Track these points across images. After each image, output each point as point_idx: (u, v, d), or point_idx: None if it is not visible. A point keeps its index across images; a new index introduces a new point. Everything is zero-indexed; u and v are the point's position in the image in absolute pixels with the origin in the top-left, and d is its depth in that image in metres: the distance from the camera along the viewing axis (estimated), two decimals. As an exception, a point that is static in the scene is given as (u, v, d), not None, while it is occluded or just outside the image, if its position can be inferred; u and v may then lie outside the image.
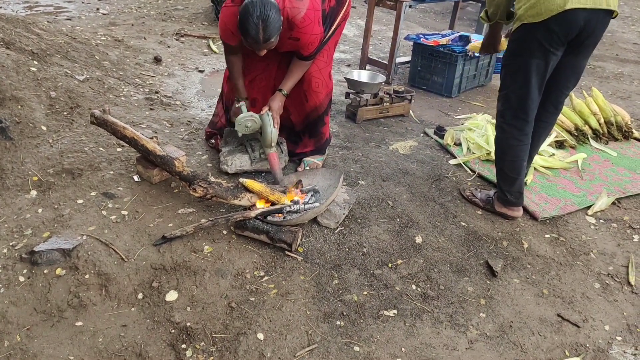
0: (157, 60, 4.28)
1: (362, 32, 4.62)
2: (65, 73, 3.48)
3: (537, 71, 2.38)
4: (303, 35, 2.57)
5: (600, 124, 3.63)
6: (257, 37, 2.36)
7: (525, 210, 2.85)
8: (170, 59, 4.41)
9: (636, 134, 3.71)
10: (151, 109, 3.48)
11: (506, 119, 2.55)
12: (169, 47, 4.68)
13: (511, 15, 2.47)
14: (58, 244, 2.19)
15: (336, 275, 2.26)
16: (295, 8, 2.48)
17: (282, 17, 2.43)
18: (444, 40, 4.34)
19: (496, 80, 4.57)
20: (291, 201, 2.52)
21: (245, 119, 2.73)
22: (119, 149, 2.89)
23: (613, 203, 2.98)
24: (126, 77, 3.84)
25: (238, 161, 2.87)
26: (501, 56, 3.07)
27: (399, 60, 4.58)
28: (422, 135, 3.60)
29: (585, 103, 3.71)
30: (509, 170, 2.64)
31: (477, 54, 3.07)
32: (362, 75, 3.83)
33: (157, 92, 3.74)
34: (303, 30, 2.55)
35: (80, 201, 2.47)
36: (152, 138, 2.67)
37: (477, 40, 2.86)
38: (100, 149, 2.86)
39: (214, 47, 4.78)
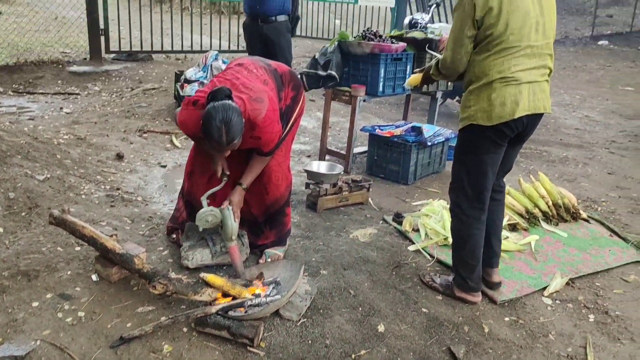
0: (119, 156, 4.34)
1: (321, 125, 4.81)
2: (25, 173, 3.49)
3: (491, 164, 2.61)
4: (264, 134, 2.69)
5: (549, 207, 3.80)
6: (220, 141, 2.46)
7: (484, 293, 2.91)
8: (132, 155, 4.48)
9: (584, 214, 3.89)
10: (112, 206, 3.49)
11: (463, 209, 2.68)
12: (131, 143, 4.76)
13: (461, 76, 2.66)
14: (10, 350, 2.11)
15: (299, 370, 2.23)
16: (256, 110, 2.61)
17: (243, 120, 2.54)
18: (398, 131, 4.57)
19: (450, 167, 4.77)
20: (252, 294, 2.52)
21: (206, 214, 2.77)
22: (77, 248, 2.87)
23: (567, 283, 3.08)
24: (87, 175, 3.87)
25: (199, 255, 2.88)
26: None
27: (356, 150, 4.76)
28: (381, 222, 3.69)
29: (534, 187, 3.90)
30: (470, 258, 2.73)
31: (408, 88, 3.19)
32: (321, 167, 3.97)
33: (118, 189, 3.77)
34: (264, 130, 2.68)
35: (35, 304, 2.41)
36: (111, 236, 2.67)
37: (414, 75, 2.99)
38: (59, 248, 2.84)
39: (176, 142, 4.89)
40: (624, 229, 3.81)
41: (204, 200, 2.81)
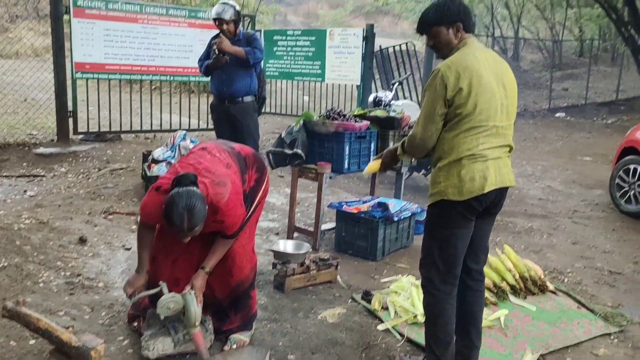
0: (82, 240, 4.25)
1: (289, 201, 4.83)
2: (-20, 262, 3.37)
3: (462, 239, 2.64)
4: (227, 217, 2.69)
5: (516, 280, 3.82)
6: (182, 227, 2.46)
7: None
8: (96, 239, 4.39)
9: (551, 287, 3.91)
10: (71, 293, 3.38)
11: (435, 284, 2.67)
12: (95, 226, 4.68)
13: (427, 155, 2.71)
14: None
15: None
16: (218, 194, 2.62)
17: (206, 206, 2.54)
18: (365, 207, 4.61)
19: (417, 241, 4.79)
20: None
21: (167, 301, 2.69)
22: (32, 342, 2.74)
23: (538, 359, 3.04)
24: (47, 261, 3.76)
25: (160, 345, 2.77)
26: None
27: (324, 227, 4.77)
28: (350, 301, 3.64)
29: (500, 260, 3.93)
30: (443, 334, 2.70)
31: (367, 176, 3.30)
32: (288, 246, 3.94)
33: (79, 275, 3.66)
34: (227, 213, 2.67)
35: (-19, 406, 2.26)
36: (68, 328, 2.57)
37: (373, 162, 3.00)
38: (12, 342, 2.71)
39: (142, 224, 4.82)
40: (591, 300, 3.83)
41: (164, 286, 2.74)
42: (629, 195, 5.97)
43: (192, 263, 2.93)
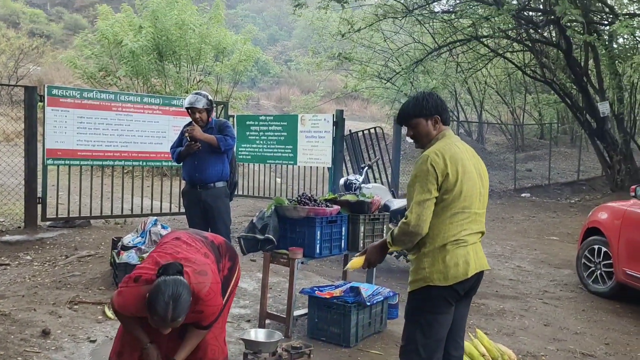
0: (45, 333, 4.10)
1: (261, 287, 4.78)
2: None
3: (445, 325, 2.68)
4: (207, 307, 2.66)
5: (490, 365, 3.79)
6: (165, 317, 2.42)
7: None
8: (60, 331, 4.24)
9: (525, 371, 3.89)
10: (31, 391, 3.22)
11: None
12: (60, 317, 4.53)
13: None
14: None
15: None
16: (200, 283, 2.61)
17: (191, 297, 2.51)
18: (337, 292, 4.58)
19: (391, 326, 4.76)
20: None
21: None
22: None
23: None
24: (7, 357, 3.60)
25: None
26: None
27: (297, 313, 4.70)
28: (323, 392, 3.54)
29: (473, 345, 3.91)
30: None
31: (350, 270, 3.18)
32: (259, 334, 3.86)
33: (40, 371, 3.50)
34: (208, 303, 2.65)
35: None
36: None
37: (356, 258, 2.92)
38: None
39: (109, 313, 4.68)
40: (565, 384, 3.81)
41: None
42: (596, 275, 6.09)
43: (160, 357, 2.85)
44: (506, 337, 4.66)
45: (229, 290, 3.00)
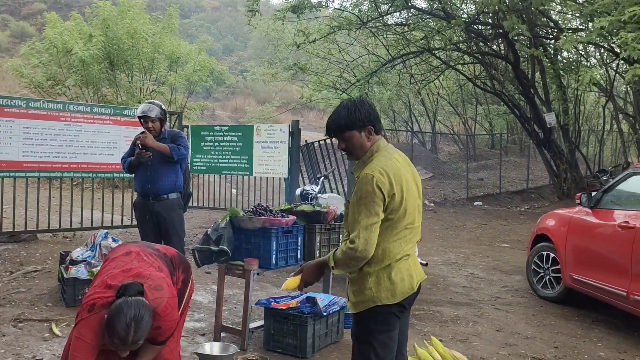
0: (-13, 353, 3.90)
1: (216, 299, 4.70)
2: None
3: (395, 339, 2.66)
4: (164, 322, 2.59)
5: (444, 371, 3.84)
6: (125, 339, 2.32)
7: None
8: (3, 350, 4.05)
9: (478, 376, 3.96)
10: (-30, 415, 3.05)
11: None
12: (4, 335, 4.33)
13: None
14: None
15: None
16: (157, 298, 2.53)
17: (151, 318, 2.42)
18: (293, 302, 4.56)
19: (347, 335, 4.75)
20: None
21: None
22: None
23: None
24: (-56, 379, 3.41)
25: None
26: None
27: (252, 325, 4.65)
28: (279, 404, 3.50)
29: (428, 352, 3.96)
30: None
31: (289, 292, 2.94)
32: (214, 348, 3.80)
33: (-20, 393, 3.33)
34: (165, 319, 2.57)
35: None
36: None
37: (291, 278, 2.72)
38: None
39: (56, 331, 4.51)
40: (517, 388, 3.89)
41: None
42: (545, 281, 6.27)
43: None
44: (460, 344, 4.73)
45: (183, 303, 2.93)
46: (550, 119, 13.22)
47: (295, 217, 4.78)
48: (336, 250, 2.58)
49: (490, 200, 14.96)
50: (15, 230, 7.59)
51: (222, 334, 4.60)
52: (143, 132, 5.14)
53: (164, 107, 5.28)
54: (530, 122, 14.15)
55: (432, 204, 14.13)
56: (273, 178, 10.77)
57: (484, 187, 16.79)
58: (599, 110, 19.38)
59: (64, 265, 5.39)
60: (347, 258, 2.48)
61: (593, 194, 5.88)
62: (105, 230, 5.93)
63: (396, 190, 2.48)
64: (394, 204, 2.49)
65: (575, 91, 15.48)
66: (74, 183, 11.42)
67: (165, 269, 2.77)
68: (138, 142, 5.01)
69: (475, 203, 14.56)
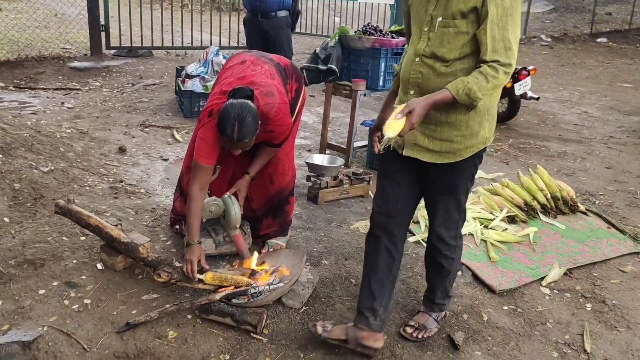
0: (122, 150, 4.38)
1: (321, 120, 4.85)
2: (29, 165, 3.53)
3: None
4: (277, 127, 2.72)
5: (547, 199, 3.84)
6: (232, 137, 2.48)
7: (484, 283, 2.96)
8: (134, 149, 4.52)
9: (582, 207, 3.93)
10: (115, 197, 3.53)
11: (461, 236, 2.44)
12: (133, 137, 4.80)
13: None
14: (17, 336, 2.15)
15: (302, 356, 2.27)
16: (268, 104, 2.64)
17: (258, 121, 2.55)
18: (398, 125, 4.60)
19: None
20: (256, 283, 2.55)
21: (209, 204, 2.80)
22: (82, 238, 2.90)
23: (565, 274, 3.12)
24: (91, 168, 3.91)
25: (202, 245, 2.91)
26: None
27: (356, 144, 4.80)
28: (381, 214, 3.72)
29: (532, 180, 3.94)
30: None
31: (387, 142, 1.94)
32: (323, 159, 4.01)
33: (121, 181, 3.81)
34: (277, 123, 2.70)
35: (41, 291, 2.45)
36: (116, 226, 2.71)
37: (392, 120, 1.94)
38: (64, 238, 2.88)
39: (177, 137, 4.92)
40: (622, 221, 3.85)
41: (216, 173, 2.83)
42: (669, 122, 5.82)
43: (224, 184, 2.98)
44: (565, 177, 4.65)
45: (296, 110, 3.04)
46: None
47: (405, 39, 4.61)
48: (466, 82, 1.92)
49: (616, 37, 13.50)
50: (133, 45, 7.99)
51: (327, 151, 4.81)
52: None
53: None
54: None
55: (549, 39, 13.00)
56: (378, 4, 10.27)
57: (612, 22, 15.06)
58: None
59: (180, 79, 5.71)
60: (495, 86, 1.95)
61: None
62: (217, 47, 6.10)
63: None
64: None
65: None
66: (182, 4, 11.57)
67: (278, 77, 2.84)
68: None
69: (599, 40, 13.22)
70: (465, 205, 2.33)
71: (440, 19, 2.02)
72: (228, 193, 2.86)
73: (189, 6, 9.12)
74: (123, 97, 6.17)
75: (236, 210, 2.82)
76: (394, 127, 1.93)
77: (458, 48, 2.01)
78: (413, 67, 2.11)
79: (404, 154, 2.18)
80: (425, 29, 2.07)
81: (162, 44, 8.30)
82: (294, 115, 3.03)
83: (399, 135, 1.92)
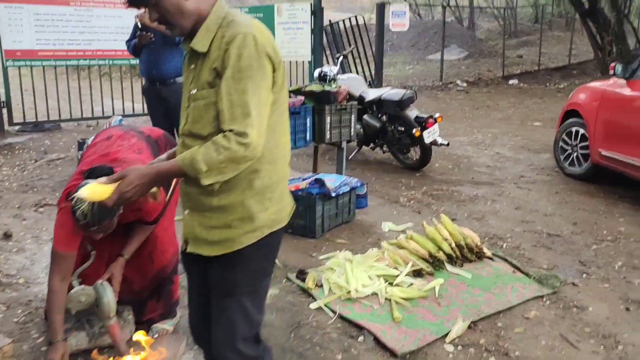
0: (7, 236, 4.07)
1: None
2: None
3: None
4: (144, 204, 2.54)
5: (452, 248, 3.79)
6: (85, 224, 2.27)
7: (385, 347, 2.82)
8: (23, 233, 4.21)
9: (488, 253, 3.90)
10: (-14, 292, 3.22)
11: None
12: (24, 219, 4.49)
13: None
14: None
15: None
16: None
17: None
18: (303, 184, 4.51)
19: (359, 215, 4.74)
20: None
21: (78, 294, 2.56)
22: None
23: (469, 327, 3.02)
24: (-36, 260, 3.58)
25: (74, 340, 2.65)
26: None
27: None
28: (284, 281, 3.56)
29: (436, 229, 3.89)
30: None
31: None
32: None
33: (-2, 272, 3.49)
34: (143, 201, 2.52)
35: None
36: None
37: (99, 183, 1.76)
38: None
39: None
40: (527, 263, 3.84)
41: (74, 279, 2.61)
42: (572, 158, 6.02)
43: (103, 261, 2.77)
44: (475, 222, 4.66)
45: (173, 183, 2.88)
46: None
47: (303, 98, 4.60)
48: (194, 152, 1.63)
49: (527, 78, 14.24)
50: (39, 120, 7.69)
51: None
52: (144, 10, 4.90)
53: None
54: (575, -11, 13.01)
55: (465, 84, 13.57)
56: (297, 62, 10.42)
57: (522, 64, 15.94)
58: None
59: (81, 152, 5.46)
60: (229, 159, 1.60)
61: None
62: (120, 116, 5.92)
63: (278, 55, 1.73)
64: (278, 75, 1.74)
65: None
66: (101, 73, 11.38)
67: (147, 151, 2.69)
68: (137, 20, 4.78)
69: (511, 81, 13.90)
70: (256, 317, 1.88)
71: (194, 91, 1.75)
72: (101, 279, 2.63)
73: (109, 74, 8.95)
74: (23, 175, 5.84)
75: (109, 298, 2.58)
76: (95, 190, 1.69)
77: (210, 122, 1.71)
78: (177, 150, 1.90)
79: (187, 250, 1.87)
80: (186, 105, 1.83)
81: (71, 115, 8.03)
82: (172, 188, 2.87)
83: (107, 201, 1.67)
